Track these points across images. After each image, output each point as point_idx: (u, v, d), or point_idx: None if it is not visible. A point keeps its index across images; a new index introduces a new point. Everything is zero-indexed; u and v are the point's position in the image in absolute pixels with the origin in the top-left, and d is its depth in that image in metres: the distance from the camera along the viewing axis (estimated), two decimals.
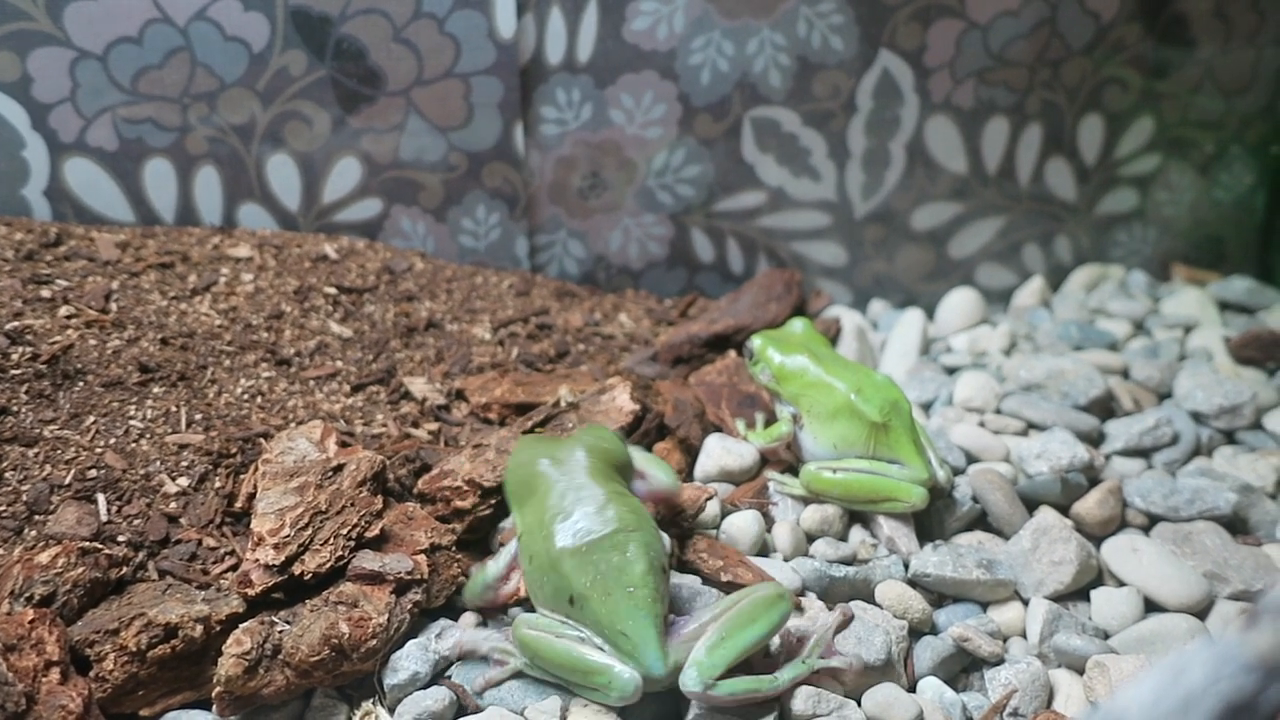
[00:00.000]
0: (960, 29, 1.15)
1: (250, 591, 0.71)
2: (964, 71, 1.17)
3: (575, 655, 0.69)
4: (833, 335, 1.13)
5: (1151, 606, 0.80)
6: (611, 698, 0.68)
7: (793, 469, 0.90)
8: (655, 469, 0.81)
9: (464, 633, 0.74)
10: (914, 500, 0.84)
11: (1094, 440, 0.96)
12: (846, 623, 0.74)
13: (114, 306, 0.93)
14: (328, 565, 0.72)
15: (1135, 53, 1.20)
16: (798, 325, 0.97)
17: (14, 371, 0.84)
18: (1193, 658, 0.30)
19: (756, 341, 0.94)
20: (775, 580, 0.75)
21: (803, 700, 0.69)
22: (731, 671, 0.67)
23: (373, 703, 0.70)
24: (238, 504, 0.81)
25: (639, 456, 0.82)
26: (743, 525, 0.83)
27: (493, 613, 0.78)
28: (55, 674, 0.64)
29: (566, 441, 0.79)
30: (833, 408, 0.88)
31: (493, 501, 0.83)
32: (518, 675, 0.72)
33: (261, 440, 0.85)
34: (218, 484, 0.82)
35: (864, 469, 0.86)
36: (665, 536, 0.77)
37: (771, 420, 0.94)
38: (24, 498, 0.77)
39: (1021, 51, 1.17)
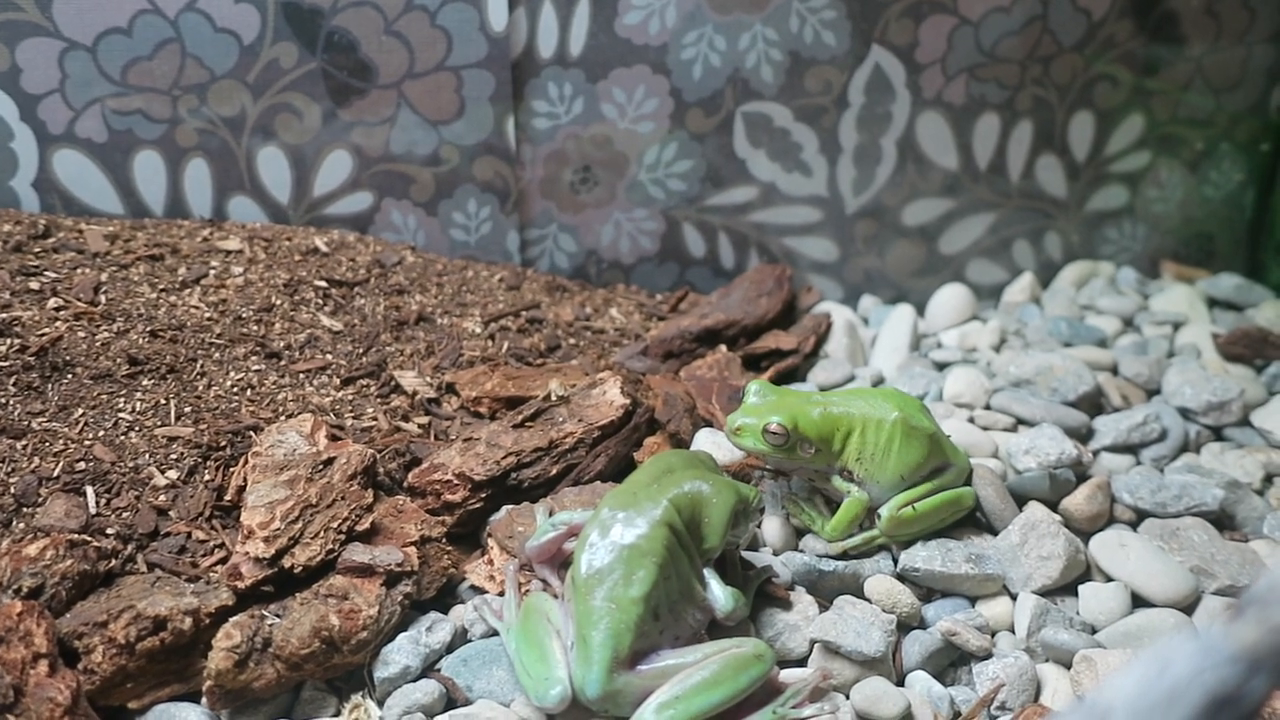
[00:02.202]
0: (952, 25, 1.15)
1: (240, 584, 0.71)
2: (955, 68, 1.17)
3: (539, 639, 0.69)
4: (823, 331, 1.13)
5: (1139, 601, 0.80)
6: (533, 695, 0.67)
7: (781, 474, 0.89)
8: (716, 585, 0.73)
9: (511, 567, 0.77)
10: (971, 502, 0.84)
11: (1083, 436, 0.97)
12: (825, 686, 0.71)
13: (103, 299, 0.93)
14: (318, 559, 0.72)
15: (1126, 50, 1.20)
16: (756, 388, 0.85)
17: (2, 364, 0.83)
18: (1177, 650, 0.31)
19: (776, 419, 0.80)
20: (758, 640, 0.71)
21: None
22: None
23: (362, 695, 0.70)
24: (227, 497, 0.81)
25: (713, 577, 0.73)
26: None
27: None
28: (43, 666, 0.64)
29: (695, 478, 0.75)
30: (885, 440, 0.82)
31: (483, 495, 0.83)
32: (493, 634, 0.74)
33: (251, 433, 0.85)
34: (207, 477, 0.82)
35: (929, 490, 0.82)
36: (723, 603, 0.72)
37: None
38: (12, 490, 0.76)
39: (1013, 48, 1.17)
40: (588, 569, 0.69)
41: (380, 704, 0.70)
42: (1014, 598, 0.80)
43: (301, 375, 0.93)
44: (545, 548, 0.76)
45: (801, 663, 0.74)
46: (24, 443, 0.80)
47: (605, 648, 0.66)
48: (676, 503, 0.72)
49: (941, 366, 1.11)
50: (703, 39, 1.12)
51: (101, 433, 0.82)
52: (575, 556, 0.71)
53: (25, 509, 0.76)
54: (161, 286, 0.97)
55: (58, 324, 0.88)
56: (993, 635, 0.78)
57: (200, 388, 0.89)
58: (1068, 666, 0.74)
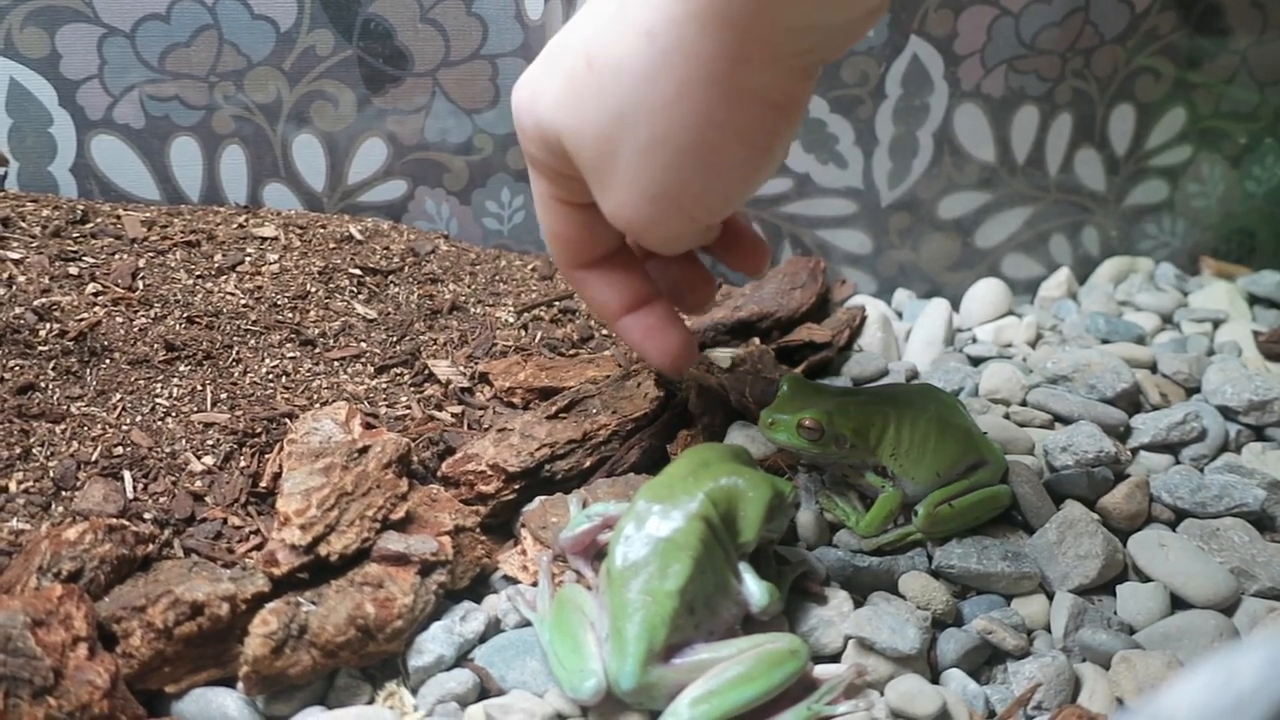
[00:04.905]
0: (992, 16, 1.14)
1: (276, 571, 0.71)
2: (995, 59, 1.16)
3: (573, 631, 0.69)
4: (857, 325, 1.12)
5: (1178, 602, 0.79)
6: (568, 687, 0.67)
7: (815, 467, 0.88)
8: (751, 580, 0.72)
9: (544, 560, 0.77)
10: (1007, 500, 0.84)
11: (1121, 434, 0.96)
12: (860, 683, 0.71)
13: (140, 284, 0.94)
14: (353, 547, 0.72)
15: (1169, 42, 1.19)
16: (790, 382, 0.85)
17: (42, 348, 0.84)
18: (1244, 659, 0.30)
19: (810, 415, 0.80)
20: (793, 635, 0.70)
21: None
22: None
23: (396, 684, 0.70)
24: (262, 484, 0.81)
25: (748, 571, 0.73)
26: None
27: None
28: (83, 649, 0.64)
29: (732, 472, 0.74)
30: (920, 436, 0.82)
31: (517, 486, 0.83)
32: (526, 624, 0.74)
33: (286, 420, 0.85)
34: (243, 463, 0.82)
35: (965, 487, 0.81)
36: (756, 597, 0.71)
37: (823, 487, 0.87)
38: (51, 474, 0.77)
39: (1053, 39, 1.16)
40: (623, 561, 0.69)
41: (414, 692, 0.70)
42: (1051, 596, 0.80)
43: (336, 363, 0.93)
44: (579, 539, 0.76)
45: (835, 658, 0.74)
46: (63, 427, 0.80)
47: (640, 640, 0.66)
48: (713, 496, 0.72)
49: (976, 362, 1.10)
50: None
51: (139, 418, 0.83)
52: (610, 549, 0.70)
53: (64, 493, 0.77)
54: (198, 273, 0.97)
55: (96, 309, 0.89)
56: (1029, 634, 0.77)
57: (236, 374, 0.89)
58: (1105, 667, 0.74)
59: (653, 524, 0.70)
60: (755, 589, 0.71)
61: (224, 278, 0.98)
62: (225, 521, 0.78)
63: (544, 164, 0.68)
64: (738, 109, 0.58)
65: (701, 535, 0.70)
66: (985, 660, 0.76)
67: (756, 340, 1.06)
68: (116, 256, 0.96)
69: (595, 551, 0.77)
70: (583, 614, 0.70)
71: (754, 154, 0.60)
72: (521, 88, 0.67)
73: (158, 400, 0.84)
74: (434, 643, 0.71)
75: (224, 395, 0.87)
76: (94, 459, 0.79)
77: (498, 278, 1.10)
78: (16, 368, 0.83)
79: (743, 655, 0.67)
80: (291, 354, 0.92)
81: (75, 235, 0.98)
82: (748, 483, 0.74)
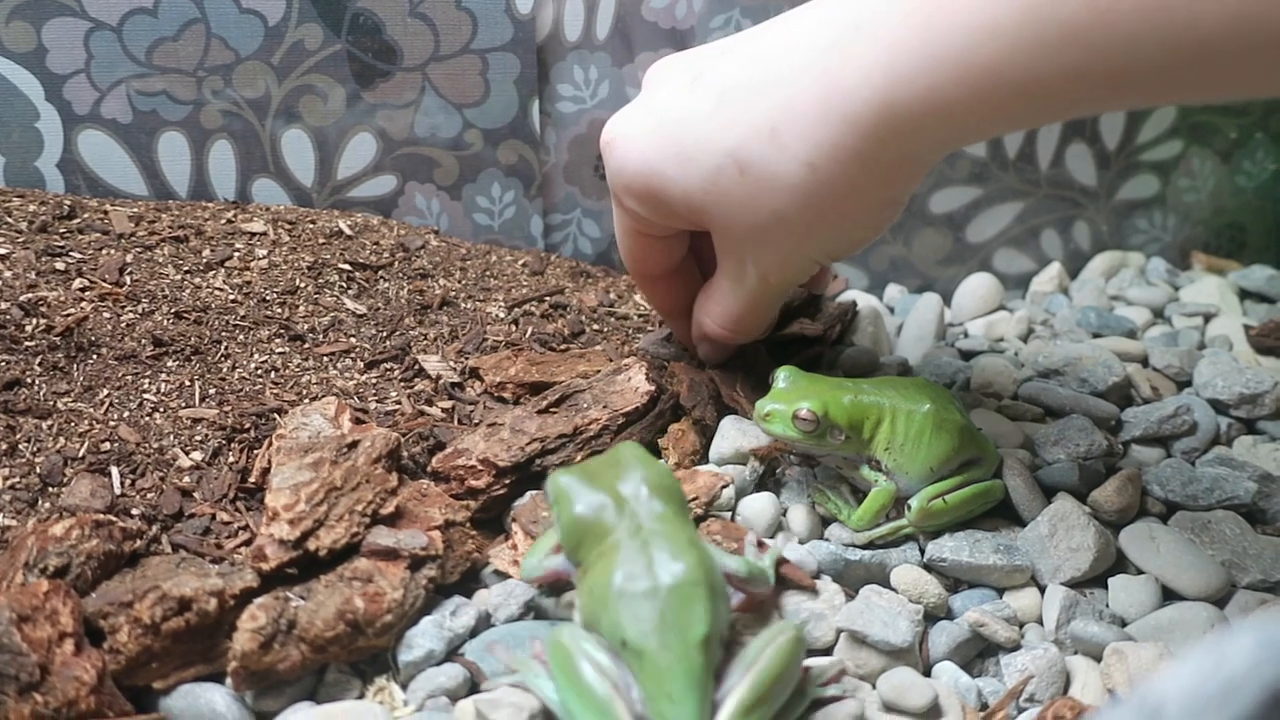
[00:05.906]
0: None
1: (265, 566, 0.70)
2: None
3: (592, 693, 0.61)
4: (849, 320, 1.12)
5: (1170, 595, 0.79)
6: None
7: (808, 460, 0.88)
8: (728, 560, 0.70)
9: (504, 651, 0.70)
10: (1000, 494, 0.84)
11: (1112, 428, 0.96)
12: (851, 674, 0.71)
13: (128, 280, 0.93)
14: (343, 541, 0.72)
15: None
16: (785, 374, 0.84)
17: (28, 343, 0.84)
18: (1233, 644, 0.30)
19: (806, 405, 0.79)
20: (787, 621, 0.70)
21: None
22: None
23: (386, 679, 0.70)
24: (251, 479, 0.81)
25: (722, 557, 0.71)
26: (758, 508, 0.83)
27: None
28: (69, 645, 0.64)
29: (642, 465, 0.70)
30: (915, 431, 0.81)
31: (507, 481, 0.83)
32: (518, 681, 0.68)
33: (275, 415, 0.85)
34: (231, 459, 0.82)
35: (959, 482, 0.81)
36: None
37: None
38: (38, 469, 0.77)
39: None
40: (637, 633, 0.61)
41: (404, 687, 0.70)
42: (1042, 589, 0.79)
43: (325, 358, 0.93)
44: (544, 579, 0.72)
45: (828, 651, 0.74)
46: (50, 423, 0.80)
47: (692, 701, 0.60)
48: (664, 499, 0.68)
49: (968, 356, 1.10)
50: (730, 23, 1.11)
51: (126, 413, 0.82)
52: (611, 618, 0.63)
53: (51, 489, 0.76)
54: (186, 268, 0.97)
55: (83, 304, 0.88)
56: (1021, 627, 0.77)
57: (224, 370, 0.89)
58: (1097, 659, 0.74)
59: (640, 580, 0.63)
60: (733, 564, 0.70)
61: (212, 273, 0.97)
62: (213, 517, 0.78)
63: (636, 213, 0.82)
64: (878, 209, 0.75)
65: (699, 558, 0.64)
66: (977, 653, 0.76)
67: None
68: (104, 252, 0.95)
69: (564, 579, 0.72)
70: (597, 667, 0.62)
71: (878, 231, 0.78)
72: (636, 161, 0.78)
73: (145, 396, 0.84)
74: (424, 637, 0.71)
75: (212, 390, 0.86)
76: (81, 455, 0.78)
77: (488, 273, 1.09)
78: (3, 363, 0.82)
79: (764, 656, 0.64)
80: (280, 349, 0.92)
81: (62, 230, 0.97)
82: (657, 467, 0.70)
